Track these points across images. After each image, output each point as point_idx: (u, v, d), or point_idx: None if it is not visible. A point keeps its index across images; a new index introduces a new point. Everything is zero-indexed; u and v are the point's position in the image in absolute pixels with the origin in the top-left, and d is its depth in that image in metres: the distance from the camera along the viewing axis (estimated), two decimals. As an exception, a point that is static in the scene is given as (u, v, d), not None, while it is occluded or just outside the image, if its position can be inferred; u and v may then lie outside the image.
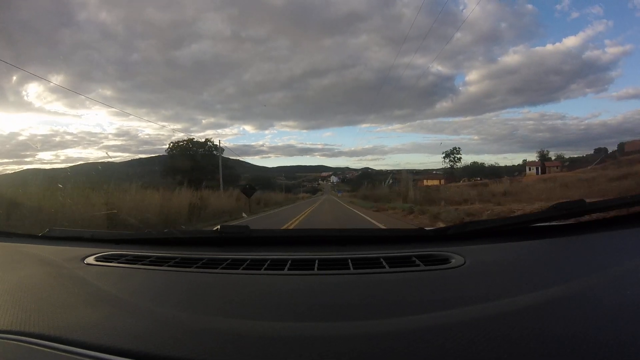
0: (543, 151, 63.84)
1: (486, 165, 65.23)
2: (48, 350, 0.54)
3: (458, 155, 64.76)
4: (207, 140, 32.88)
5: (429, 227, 1.15)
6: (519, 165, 64.28)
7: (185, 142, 31.20)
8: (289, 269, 0.85)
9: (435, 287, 0.72)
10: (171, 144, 31.82)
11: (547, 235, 0.95)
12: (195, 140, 32.30)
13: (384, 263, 0.84)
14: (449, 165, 64.20)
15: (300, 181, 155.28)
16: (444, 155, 65.23)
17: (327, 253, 0.95)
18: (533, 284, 0.67)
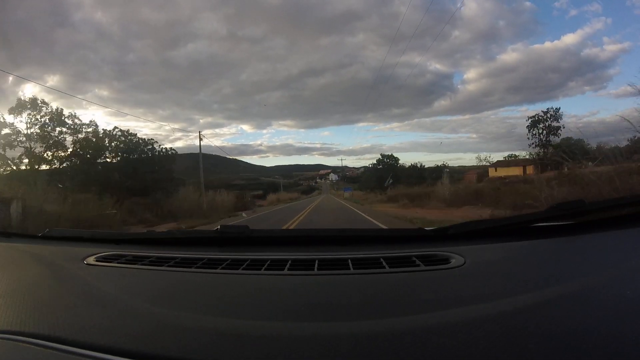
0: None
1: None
2: (48, 350, 0.54)
3: (555, 124, 32.52)
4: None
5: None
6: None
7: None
8: (289, 269, 0.85)
9: (435, 287, 0.72)
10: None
11: (547, 235, 0.95)
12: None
13: (384, 263, 0.84)
14: (537, 142, 32.94)
15: (297, 180, 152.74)
16: (529, 123, 33.49)
17: (327, 253, 0.95)
18: (533, 284, 0.68)
